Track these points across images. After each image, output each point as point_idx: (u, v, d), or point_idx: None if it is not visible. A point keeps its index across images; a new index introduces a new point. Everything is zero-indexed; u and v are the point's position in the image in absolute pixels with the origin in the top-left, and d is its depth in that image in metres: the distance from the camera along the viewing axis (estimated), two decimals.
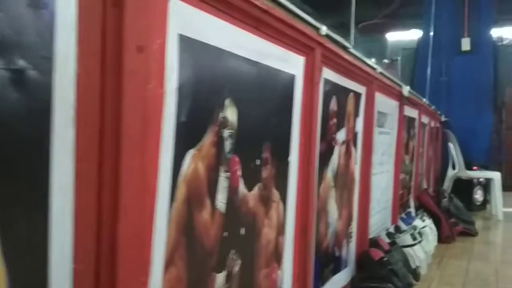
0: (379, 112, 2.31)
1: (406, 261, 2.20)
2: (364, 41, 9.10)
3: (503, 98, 5.57)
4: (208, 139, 0.87)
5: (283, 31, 1.11)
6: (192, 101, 0.81)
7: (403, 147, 3.03)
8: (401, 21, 6.48)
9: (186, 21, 0.78)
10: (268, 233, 1.15)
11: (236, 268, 1.01)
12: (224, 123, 0.92)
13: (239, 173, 0.99)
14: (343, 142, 1.79)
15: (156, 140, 0.73)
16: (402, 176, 3.05)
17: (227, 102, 0.92)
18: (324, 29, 1.33)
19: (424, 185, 4.10)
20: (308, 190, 1.35)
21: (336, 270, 1.77)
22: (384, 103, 2.39)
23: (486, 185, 5.08)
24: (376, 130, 2.26)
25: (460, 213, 3.70)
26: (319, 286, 1.57)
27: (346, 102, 1.79)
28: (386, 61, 8.63)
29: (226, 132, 0.92)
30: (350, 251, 1.94)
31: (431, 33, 5.27)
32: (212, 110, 0.88)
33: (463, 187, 5.02)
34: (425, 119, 3.85)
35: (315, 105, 1.37)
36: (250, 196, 1.05)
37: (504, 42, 5.94)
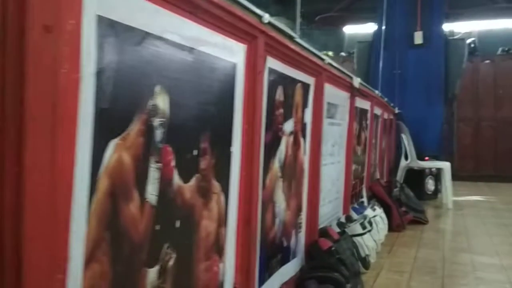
0: (329, 103, 2.32)
1: (355, 250, 2.23)
2: (322, 33, 9.21)
3: (453, 91, 5.76)
4: (134, 128, 0.82)
5: (221, 18, 1.08)
6: (115, 88, 0.77)
7: (355, 138, 3.08)
8: (357, 14, 6.57)
9: (106, 2, 0.73)
10: (207, 225, 1.12)
11: (171, 262, 0.97)
12: (154, 111, 0.87)
13: (172, 164, 0.95)
14: (291, 133, 1.78)
15: (71, 129, 0.68)
16: (354, 166, 3.10)
17: (158, 89, 0.88)
18: (266, 17, 1.30)
19: (377, 176, 4.19)
20: (252, 180, 1.33)
21: (284, 261, 1.77)
22: (334, 95, 2.40)
23: (437, 175, 5.27)
24: (326, 121, 2.27)
25: (410, 202, 3.82)
26: (266, 278, 1.56)
27: (293, 93, 1.77)
28: (343, 54, 8.77)
29: (156, 121, 0.88)
30: (299, 241, 1.94)
31: (383, 27, 5.36)
32: (139, 97, 0.84)
33: (416, 177, 5.19)
34: (377, 111, 3.93)
35: (258, 94, 1.35)
36: (187, 188, 1.02)
37: (455, 36, 6.15)
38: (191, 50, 0.99)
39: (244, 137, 1.29)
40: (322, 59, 2.03)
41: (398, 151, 5.34)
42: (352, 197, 3.08)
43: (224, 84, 1.17)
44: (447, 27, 6.61)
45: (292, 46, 1.60)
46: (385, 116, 4.59)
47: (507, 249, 2.98)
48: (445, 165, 4.85)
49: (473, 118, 7.76)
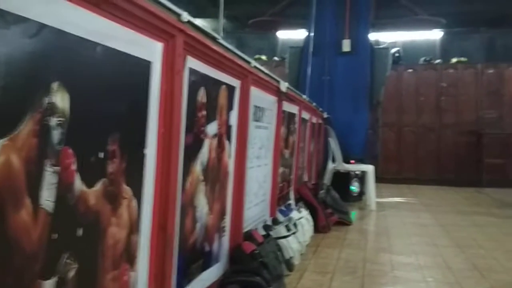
0: (255, 107, 2.32)
1: (279, 253, 2.24)
2: (256, 37, 9.31)
3: (378, 98, 6.04)
4: (26, 127, 0.75)
5: (132, 13, 1.02)
6: (2, 83, 0.69)
7: (283, 142, 3.11)
8: (289, 20, 6.70)
9: None
10: (116, 232, 1.06)
11: (71, 273, 0.90)
12: (51, 110, 0.81)
13: (73, 167, 0.88)
14: (215, 135, 1.75)
15: None
16: (281, 169, 3.13)
17: (55, 86, 0.81)
18: (185, 16, 1.26)
19: (305, 178, 4.27)
20: (168, 184, 1.28)
21: (206, 266, 1.73)
22: (261, 98, 2.40)
23: (362, 177, 5.48)
24: (252, 124, 2.27)
25: (336, 204, 3.93)
26: (184, 284, 1.51)
27: (217, 94, 1.75)
28: (276, 58, 8.91)
29: (53, 121, 0.81)
30: (223, 245, 1.92)
31: (312, 34, 5.52)
32: (32, 94, 0.77)
33: (342, 179, 5.37)
34: (306, 115, 4.01)
35: (177, 95, 1.31)
36: (91, 193, 0.95)
37: (380, 46, 6.45)
38: (97, 45, 0.93)
39: (161, 139, 1.24)
40: (248, 62, 2.02)
41: (326, 154, 5.50)
42: (279, 199, 3.10)
43: (137, 83, 1.12)
44: (373, 36, 6.93)
45: (215, 47, 1.57)
46: (314, 120, 4.70)
47: (424, 249, 3.15)
48: (369, 168, 5.06)
49: (397, 124, 8.18)
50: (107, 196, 1.01)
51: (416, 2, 6.11)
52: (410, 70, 8.27)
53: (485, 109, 7.83)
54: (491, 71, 7.93)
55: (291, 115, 3.37)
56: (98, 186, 0.97)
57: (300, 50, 6.07)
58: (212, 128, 1.70)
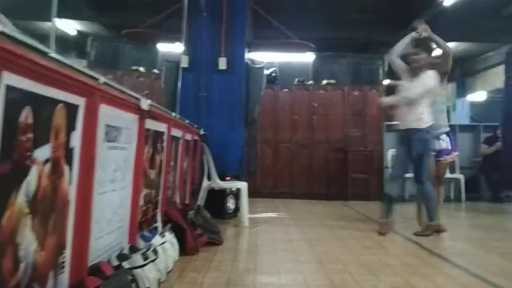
0: (109, 126, 2.15)
1: (134, 285, 2.08)
2: (134, 48, 8.97)
3: (253, 115, 6.17)
4: None
5: None
6: None
7: (148, 162, 2.96)
8: (166, 33, 6.56)
9: None
10: None
11: None
12: None
13: None
14: (48, 160, 1.55)
15: None
16: (146, 191, 2.97)
17: None
18: None
19: (177, 199, 4.14)
20: None
21: None
22: (116, 116, 2.24)
23: (238, 194, 5.52)
24: (104, 145, 2.09)
25: (206, 224, 3.86)
26: None
27: (51, 114, 1.55)
28: (155, 71, 8.67)
29: None
30: (60, 283, 1.70)
31: (183, 49, 5.47)
32: None
33: (217, 197, 5.35)
34: (177, 133, 3.90)
35: None
36: None
37: (256, 65, 6.61)
38: None
39: None
40: (96, 79, 1.86)
41: (203, 172, 5.44)
42: (142, 223, 2.93)
43: None
44: (251, 55, 7.10)
45: (45, 63, 1.39)
46: (188, 137, 4.61)
47: (287, 266, 3.21)
48: (243, 185, 5.12)
49: (273, 140, 8.48)
50: None
51: (289, 26, 6.41)
52: (286, 90, 8.66)
53: (351, 128, 8.49)
54: (356, 93, 8.64)
55: (158, 133, 3.24)
56: None
57: (176, 65, 5.96)
58: (43, 153, 1.50)
